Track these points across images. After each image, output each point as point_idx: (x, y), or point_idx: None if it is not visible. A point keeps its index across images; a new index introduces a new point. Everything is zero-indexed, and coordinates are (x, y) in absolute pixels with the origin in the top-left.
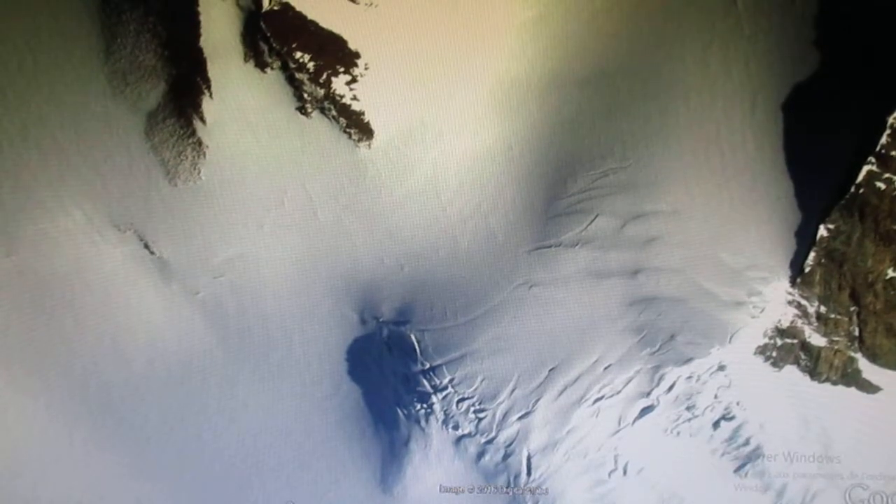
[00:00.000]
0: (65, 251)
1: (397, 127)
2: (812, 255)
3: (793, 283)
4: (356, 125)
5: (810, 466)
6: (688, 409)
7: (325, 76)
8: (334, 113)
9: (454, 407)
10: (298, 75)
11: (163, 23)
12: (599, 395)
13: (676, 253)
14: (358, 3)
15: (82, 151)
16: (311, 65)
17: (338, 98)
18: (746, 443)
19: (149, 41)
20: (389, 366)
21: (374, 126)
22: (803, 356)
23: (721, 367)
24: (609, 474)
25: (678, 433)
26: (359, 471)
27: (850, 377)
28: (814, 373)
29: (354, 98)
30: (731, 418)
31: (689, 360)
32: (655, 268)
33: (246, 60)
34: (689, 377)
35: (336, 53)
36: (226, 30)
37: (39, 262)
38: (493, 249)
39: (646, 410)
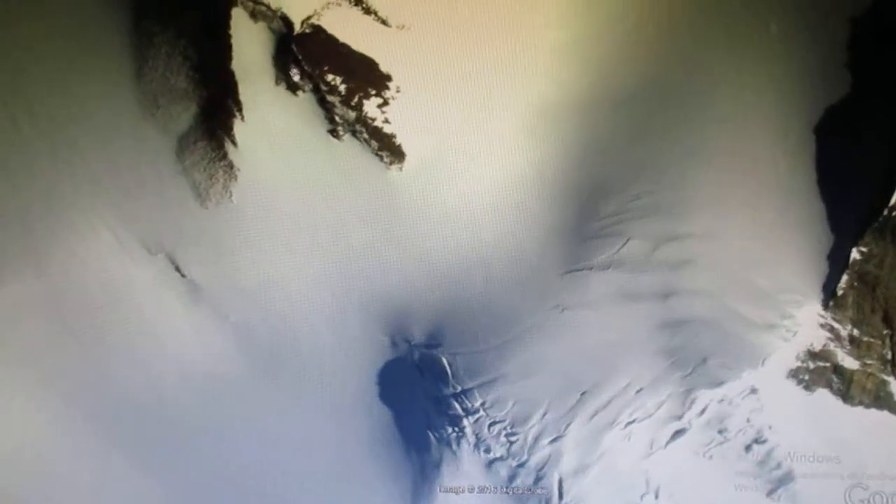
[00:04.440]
0: (95, 274)
1: (429, 150)
2: (845, 278)
3: (825, 306)
4: (388, 148)
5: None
6: (719, 432)
7: (356, 99)
8: (366, 136)
9: (486, 430)
10: (330, 98)
11: (194, 45)
12: (631, 419)
13: (708, 276)
14: (390, 26)
15: (113, 174)
16: (342, 87)
17: (369, 121)
18: (778, 467)
19: (180, 64)
20: (421, 389)
21: (405, 149)
22: (836, 379)
23: (753, 391)
24: (641, 497)
25: (710, 457)
26: (390, 495)
27: (883, 400)
28: (846, 396)
29: (386, 121)
30: (763, 442)
31: (721, 383)
32: (687, 291)
33: (277, 83)
34: (721, 400)
35: (368, 76)
36: (257, 52)
37: (70, 286)
38: (525, 273)
39: (677, 434)
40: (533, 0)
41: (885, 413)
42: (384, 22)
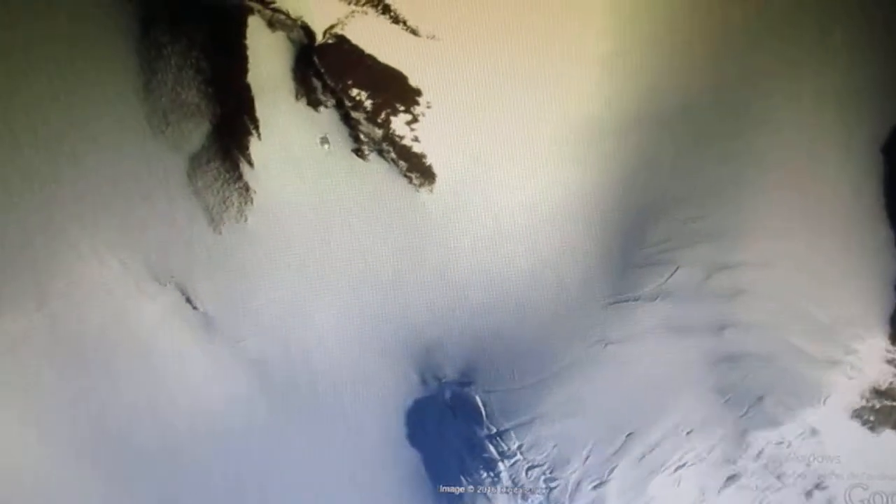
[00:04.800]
0: (99, 304)
1: (461, 170)
2: None
3: (892, 340)
4: (417, 168)
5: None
6: (777, 477)
7: (383, 115)
8: (393, 155)
9: (523, 475)
10: (354, 114)
11: (207, 58)
12: (681, 463)
13: (765, 308)
14: (420, 36)
15: (119, 195)
16: (368, 103)
17: (397, 139)
18: None
19: (192, 77)
20: (452, 430)
21: (436, 170)
22: None
23: (814, 432)
24: None
25: None
26: None
27: None
28: None
29: (415, 139)
30: (825, 488)
31: (779, 424)
32: (742, 324)
33: (297, 98)
34: (779, 443)
35: (396, 90)
36: (275, 65)
37: (72, 316)
38: (564, 304)
39: (731, 479)
40: (576, 9)
41: None
42: (414, 32)
